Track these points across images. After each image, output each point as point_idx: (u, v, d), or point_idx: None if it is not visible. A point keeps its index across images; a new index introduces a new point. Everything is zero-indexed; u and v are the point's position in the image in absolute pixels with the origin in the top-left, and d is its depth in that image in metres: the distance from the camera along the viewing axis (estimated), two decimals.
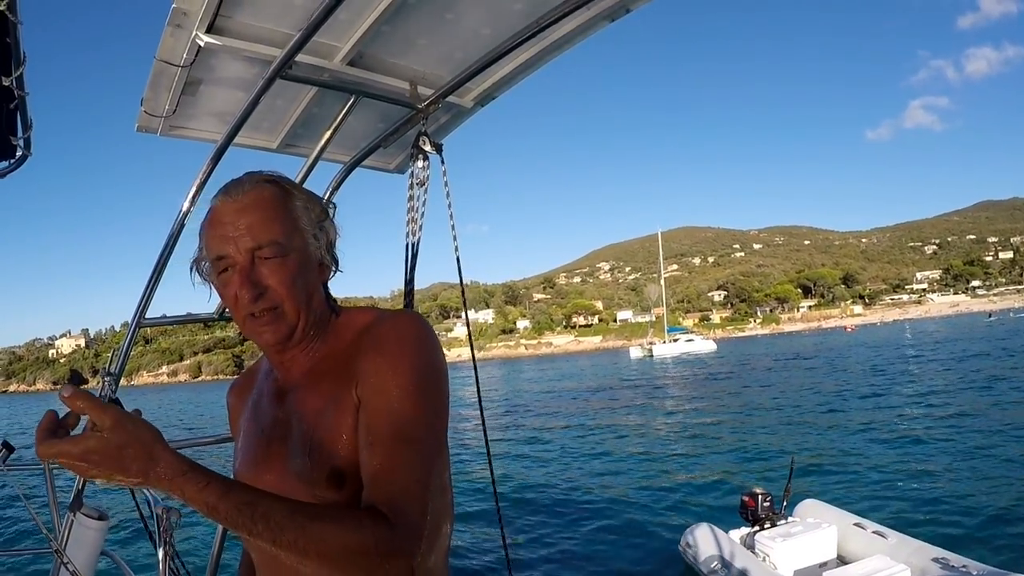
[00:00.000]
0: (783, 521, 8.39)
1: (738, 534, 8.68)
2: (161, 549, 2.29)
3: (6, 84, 2.37)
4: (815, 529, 7.98)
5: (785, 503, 8.69)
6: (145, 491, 2.68)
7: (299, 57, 2.50)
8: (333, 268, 1.59)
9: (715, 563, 8.14)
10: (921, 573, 6.82)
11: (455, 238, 3.17)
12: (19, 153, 2.99)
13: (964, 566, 6.74)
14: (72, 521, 3.08)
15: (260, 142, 3.34)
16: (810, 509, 8.76)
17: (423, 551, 1.29)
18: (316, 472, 1.39)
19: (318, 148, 3.20)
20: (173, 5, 2.22)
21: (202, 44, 2.38)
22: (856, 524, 8.10)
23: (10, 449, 3.35)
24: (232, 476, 1.56)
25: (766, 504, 8.48)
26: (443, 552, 1.53)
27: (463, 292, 3.35)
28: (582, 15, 2.68)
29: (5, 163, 3.09)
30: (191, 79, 2.66)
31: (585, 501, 14.67)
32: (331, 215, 1.61)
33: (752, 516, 8.52)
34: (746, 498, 8.69)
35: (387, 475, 1.30)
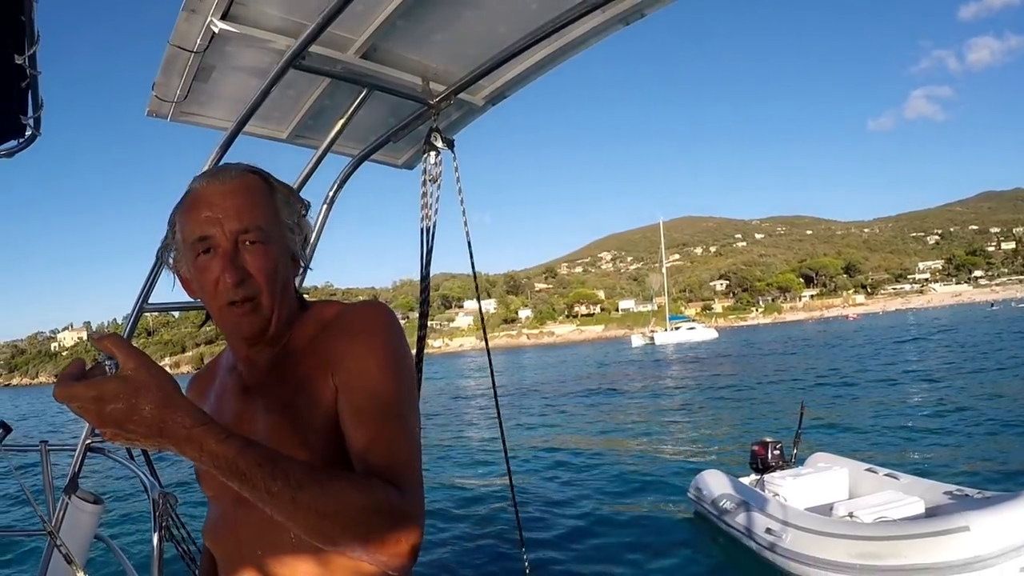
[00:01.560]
0: (793, 468, 8.36)
1: (747, 479, 8.67)
2: (157, 534, 2.28)
3: (19, 62, 2.36)
4: (826, 471, 7.95)
5: (795, 451, 8.65)
6: (141, 476, 2.68)
7: (313, 48, 2.50)
8: (303, 265, 1.58)
9: (724, 502, 8.13)
10: (934, 504, 6.79)
11: (468, 234, 3.19)
12: (28, 132, 2.98)
13: (978, 494, 6.71)
14: (67, 504, 3.09)
15: (270, 131, 3.32)
16: (821, 459, 8.69)
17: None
18: None
19: (328, 140, 3.19)
20: None
21: (216, 30, 2.37)
22: (868, 469, 8.06)
23: (7, 429, 3.35)
24: (194, 473, 1.56)
25: (776, 452, 8.45)
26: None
27: (476, 287, 3.37)
28: (596, 18, 2.67)
29: (14, 142, 3.08)
30: (204, 65, 2.64)
31: (593, 464, 15.03)
32: (306, 213, 1.58)
33: (762, 464, 8.48)
34: (756, 447, 8.67)
35: (384, 448, 1.30)
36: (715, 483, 8.78)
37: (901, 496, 6.82)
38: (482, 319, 3.79)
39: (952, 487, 7.05)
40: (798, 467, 8.48)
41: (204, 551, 1.76)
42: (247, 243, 1.40)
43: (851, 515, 6.66)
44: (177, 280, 1.53)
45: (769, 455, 8.45)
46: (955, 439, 13.82)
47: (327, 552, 1.33)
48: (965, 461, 11.81)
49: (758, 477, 8.48)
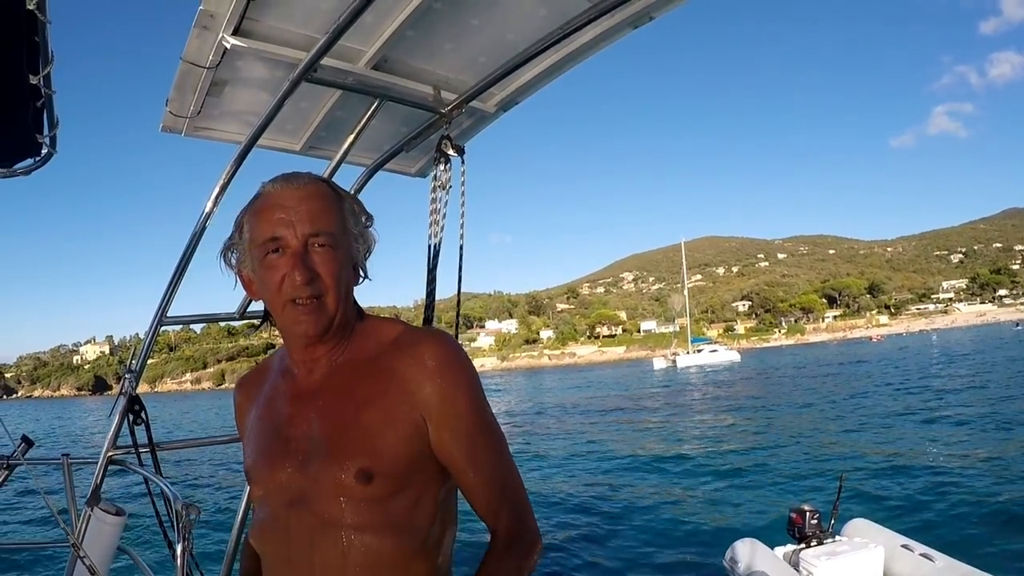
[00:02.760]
0: (830, 539, 8.27)
1: (783, 551, 8.59)
2: (179, 545, 2.30)
3: (33, 82, 2.40)
4: (861, 549, 7.83)
5: (833, 521, 8.55)
6: (164, 487, 2.70)
7: (324, 60, 2.53)
8: (363, 276, 1.63)
9: None
10: None
11: (462, 236, 3.21)
12: (44, 151, 3.03)
13: None
14: (89, 516, 3.12)
15: (284, 144, 3.37)
16: (858, 529, 8.60)
17: (440, 553, 1.53)
18: (342, 469, 1.43)
19: (341, 151, 3.22)
20: (200, 7, 2.25)
21: (228, 46, 2.41)
22: (904, 546, 7.95)
23: (29, 443, 3.40)
24: (244, 473, 1.63)
25: (813, 522, 8.35)
26: (450, 553, 1.58)
27: (459, 285, 3.29)
28: (605, 22, 2.68)
29: (31, 160, 3.13)
30: (216, 80, 2.68)
31: (623, 512, 14.56)
32: (370, 225, 1.63)
33: (799, 533, 8.39)
34: (794, 515, 8.58)
35: (502, 488, 1.55)
36: (750, 555, 8.67)
37: None
38: (458, 321, 3.79)
39: None
40: (836, 536, 8.41)
41: (245, 551, 1.81)
42: (317, 246, 1.47)
43: None
44: (239, 282, 1.61)
45: (807, 524, 8.36)
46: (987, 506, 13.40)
47: (379, 556, 1.44)
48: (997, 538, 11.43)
49: (795, 548, 8.40)
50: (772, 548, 8.64)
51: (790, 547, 8.57)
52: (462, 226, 3.20)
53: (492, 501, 1.53)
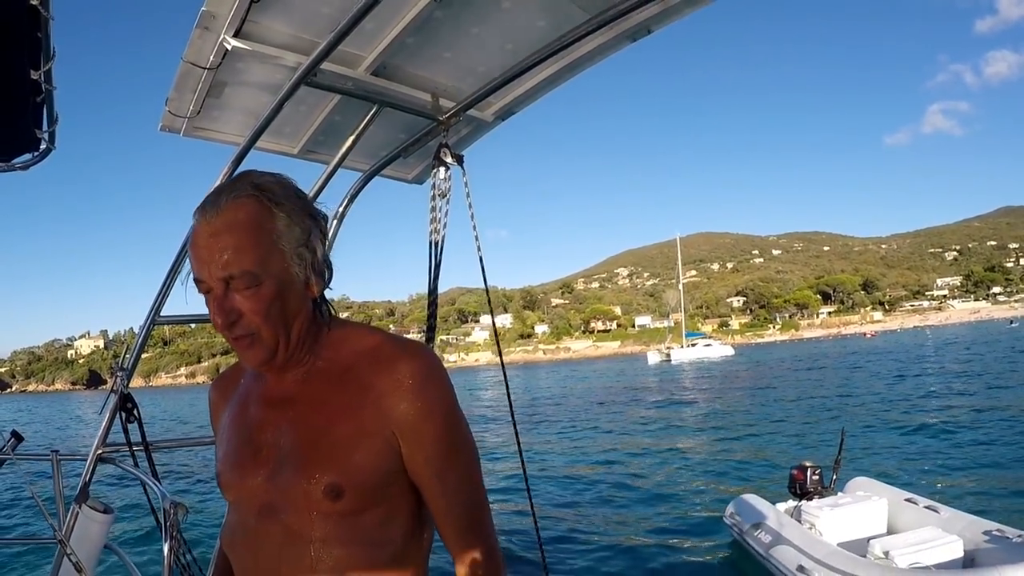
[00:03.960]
0: (832, 496, 8.25)
1: (784, 506, 8.57)
2: (167, 543, 2.30)
3: (34, 78, 2.41)
4: (864, 501, 7.77)
5: (835, 476, 8.51)
6: (153, 485, 2.70)
7: (324, 65, 2.54)
8: (324, 282, 1.52)
9: (760, 532, 8.02)
10: (974, 545, 6.63)
11: (479, 248, 3.18)
12: (43, 146, 3.04)
13: (1019, 536, 6.55)
14: (77, 513, 3.11)
15: (281, 147, 3.37)
16: (861, 485, 8.53)
17: (413, 564, 1.51)
18: (311, 483, 1.41)
19: (338, 156, 3.21)
20: (202, 8, 2.25)
21: (229, 47, 2.41)
22: (908, 500, 7.88)
23: (19, 438, 3.39)
24: (216, 478, 1.59)
25: (815, 477, 8.32)
26: (425, 562, 1.57)
27: (489, 303, 3.35)
28: (604, 34, 2.69)
29: (29, 155, 3.13)
30: (216, 81, 2.68)
31: (622, 483, 14.85)
32: (324, 222, 1.53)
33: (800, 489, 8.35)
34: (795, 471, 8.55)
35: (469, 511, 1.52)
36: (751, 509, 8.66)
37: (940, 535, 6.62)
38: (497, 340, 3.80)
39: (993, 526, 6.82)
40: (837, 494, 8.35)
41: (218, 554, 1.78)
42: (236, 288, 1.39)
43: (887, 554, 6.53)
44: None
45: (808, 480, 8.31)
46: (986, 467, 13.53)
47: (348, 569, 1.41)
48: (1004, 491, 11.52)
49: (796, 504, 8.36)
50: (774, 503, 8.66)
51: (791, 502, 8.56)
52: (476, 239, 3.17)
53: (459, 527, 1.51)
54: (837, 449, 8.69)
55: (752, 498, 8.98)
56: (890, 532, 7.55)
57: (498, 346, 3.55)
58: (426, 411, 1.44)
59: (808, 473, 8.37)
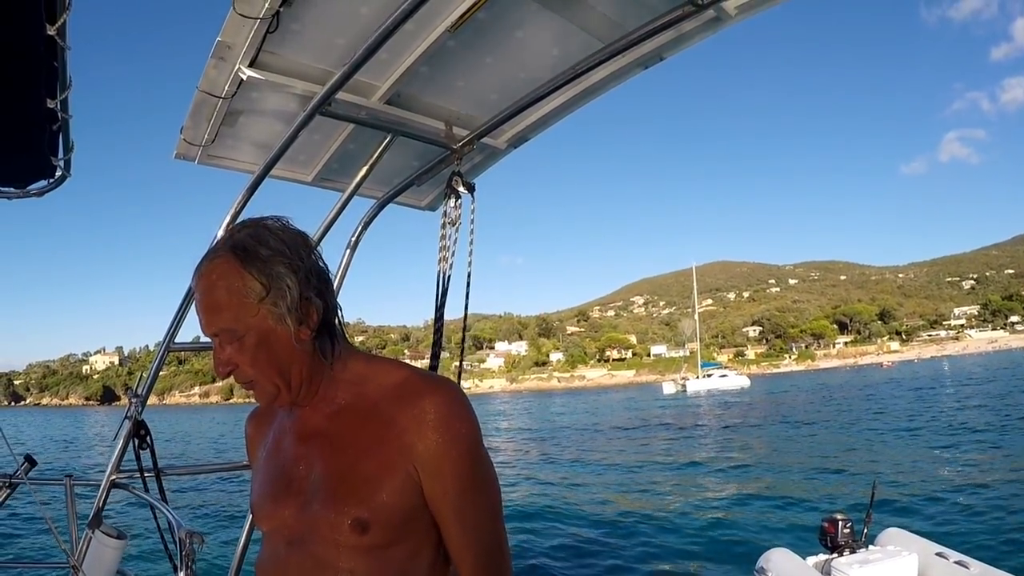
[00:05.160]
0: (863, 549, 8.16)
1: (814, 560, 8.49)
2: (183, 572, 2.29)
3: (51, 106, 2.44)
4: (894, 557, 7.65)
5: (866, 530, 8.40)
6: (168, 514, 2.70)
7: (339, 94, 2.56)
8: (319, 314, 1.52)
9: None
10: None
11: (469, 275, 3.21)
12: (59, 173, 3.06)
13: None
14: (91, 538, 3.11)
15: (296, 175, 3.40)
16: (892, 537, 8.42)
17: None
18: (339, 516, 1.44)
19: (353, 184, 3.24)
20: (218, 38, 2.28)
21: (244, 77, 2.45)
22: (938, 553, 7.80)
23: (32, 463, 3.39)
24: (249, 508, 1.66)
25: (846, 531, 8.19)
26: None
27: (464, 325, 3.34)
28: (616, 62, 2.71)
29: (44, 182, 3.16)
30: (231, 110, 2.72)
31: (647, 528, 14.42)
32: (308, 261, 1.52)
33: (831, 542, 8.23)
34: (826, 524, 8.44)
35: (488, 560, 1.53)
36: (782, 565, 8.59)
37: None
38: (462, 356, 3.78)
39: None
40: (868, 547, 8.26)
41: None
42: (223, 341, 1.50)
43: None
44: None
45: (839, 533, 8.18)
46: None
47: None
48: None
49: (827, 558, 8.28)
50: (804, 558, 8.56)
51: (822, 556, 8.46)
52: (470, 264, 3.20)
53: (476, 566, 1.52)
54: (869, 501, 8.60)
55: (782, 552, 8.87)
56: None
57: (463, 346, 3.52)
58: (447, 448, 1.46)
59: (840, 526, 8.23)
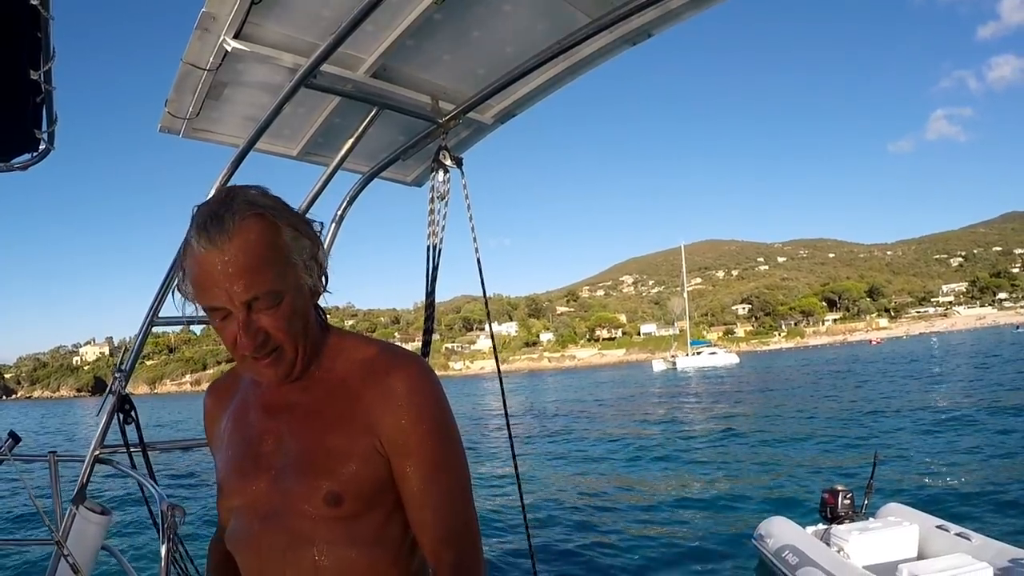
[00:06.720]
0: (863, 520, 8.18)
1: (813, 529, 8.53)
2: (165, 546, 2.30)
3: (34, 78, 2.42)
4: (894, 526, 7.69)
5: (867, 501, 8.44)
6: (151, 487, 2.70)
7: (324, 67, 2.54)
8: (323, 287, 1.54)
9: (788, 554, 7.97)
10: (1003, 573, 6.56)
11: (477, 250, 3.19)
12: (43, 146, 3.05)
13: None
14: (74, 514, 3.11)
15: (281, 149, 3.38)
16: (893, 511, 8.44)
17: (416, 558, 1.54)
18: (312, 490, 1.44)
19: (338, 158, 3.23)
20: (202, 9, 2.26)
21: (229, 49, 2.42)
22: (939, 526, 7.81)
23: (16, 439, 3.39)
24: (218, 485, 1.62)
25: (846, 502, 8.23)
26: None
27: (486, 305, 3.37)
28: (604, 38, 2.71)
29: (28, 155, 3.14)
30: (216, 83, 2.69)
31: (646, 503, 14.66)
32: (319, 232, 1.53)
33: (831, 513, 8.27)
34: (826, 495, 8.49)
35: (455, 536, 1.50)
36: (780, 532, 8.61)
37: (969, 561, 6.49)
38: (494, 344, 3.78)
39: (1022, 553, 6.83)
40: (868, 519, 8.28)
41: (212, 551, 1.78)
42: (260, 308, 1.39)
43: None
44: (197, 307, 1.49)
45: (839, 504, 8.22)
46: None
47: (351, 569, 1.46)
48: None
49: (825, 527, 8.30)
50: (804, 526, 8.61)
51: (821, 526, 8.49)
52: (475, 240, 3.17)
53: (439, 541, 1.50)
54: (870, 473, 8.63)
55: (781, 520, 8.94)
56: (920, 558, 7.46)
57: (499, 368, 3.52)
58: (413, 423, 1.45)
59: (840, 497, 8.29)
